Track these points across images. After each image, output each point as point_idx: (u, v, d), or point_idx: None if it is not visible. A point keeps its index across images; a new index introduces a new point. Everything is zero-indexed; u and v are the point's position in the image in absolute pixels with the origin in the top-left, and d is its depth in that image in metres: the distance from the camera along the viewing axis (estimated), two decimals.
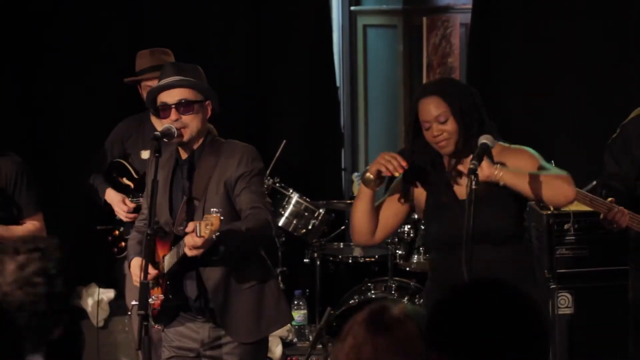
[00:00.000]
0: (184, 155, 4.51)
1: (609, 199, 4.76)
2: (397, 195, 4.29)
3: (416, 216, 6.42)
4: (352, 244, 7.44)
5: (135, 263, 4.53)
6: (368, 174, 4.17)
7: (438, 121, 4.10)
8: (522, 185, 4.06)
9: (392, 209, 4.30)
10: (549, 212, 5.70)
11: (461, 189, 4.16)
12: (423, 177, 4.25)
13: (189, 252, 4.21)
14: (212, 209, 4.13)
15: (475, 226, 3.93)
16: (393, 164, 4.07)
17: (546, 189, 4.05)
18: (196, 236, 4.09)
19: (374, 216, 4.27)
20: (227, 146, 4.50)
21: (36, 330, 2.65)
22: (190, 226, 4.15)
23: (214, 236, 4.07)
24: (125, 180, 5.80)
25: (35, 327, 2.65)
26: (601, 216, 4.77)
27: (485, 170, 4.03)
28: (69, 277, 2.75)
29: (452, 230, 4.07)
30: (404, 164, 4.07)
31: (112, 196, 5.70)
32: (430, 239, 4.35)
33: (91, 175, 5.82)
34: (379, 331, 2.41)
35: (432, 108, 4.11)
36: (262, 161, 4.57)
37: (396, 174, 4.11)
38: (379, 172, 4.12)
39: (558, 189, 4.08)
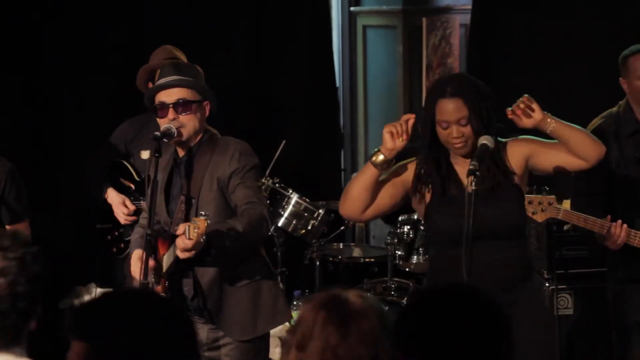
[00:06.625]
0: (181, 153, 4.52)
1: (608, 216, 4.67)
2: (397, 179, 4.23)
3: (416, 217, 6.43)
4: (352, 244, 7.44)
5: (136, 255, 4.52)
6: (378, 156, 4.12)
7: (459, 124, 4.07)
8: (568, 133, 4.15)
9: (389, 191, 4.22)
10: None
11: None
12: (430, 174, 4.21)
13: (181, 255, 4.23)
14: (200, 212, 4.13)
15: (480, 222, 3.93)
16: (398, 129, 4.06)
17: (586, 140, 4.17)
18: (186, 239, 4.11)
19: (373, 194, 4.20)
20: (220, 142, 4.50)
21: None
22: (181, 228, 4.17)
23: (201, 239, 4.08)
24: (126, 182, 5.79)
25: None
26: (596, 235, 4.64)
27: (538, 114, 4.12)
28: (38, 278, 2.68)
29: (458, 223, 4.00)
30: (407, 134, 4.08)
31: (113, 197, 5.68)
32: (433, 232, 4.27)
33: (94, 165, 5.79)
34: (342, 324, 2.39)
35: (454, 110, 4.06)
36: (256, 156, 4.54)
37: (399, 141, 4.08)
38: (386, 161, 4.12)
39: (594, 142, 4.19)
